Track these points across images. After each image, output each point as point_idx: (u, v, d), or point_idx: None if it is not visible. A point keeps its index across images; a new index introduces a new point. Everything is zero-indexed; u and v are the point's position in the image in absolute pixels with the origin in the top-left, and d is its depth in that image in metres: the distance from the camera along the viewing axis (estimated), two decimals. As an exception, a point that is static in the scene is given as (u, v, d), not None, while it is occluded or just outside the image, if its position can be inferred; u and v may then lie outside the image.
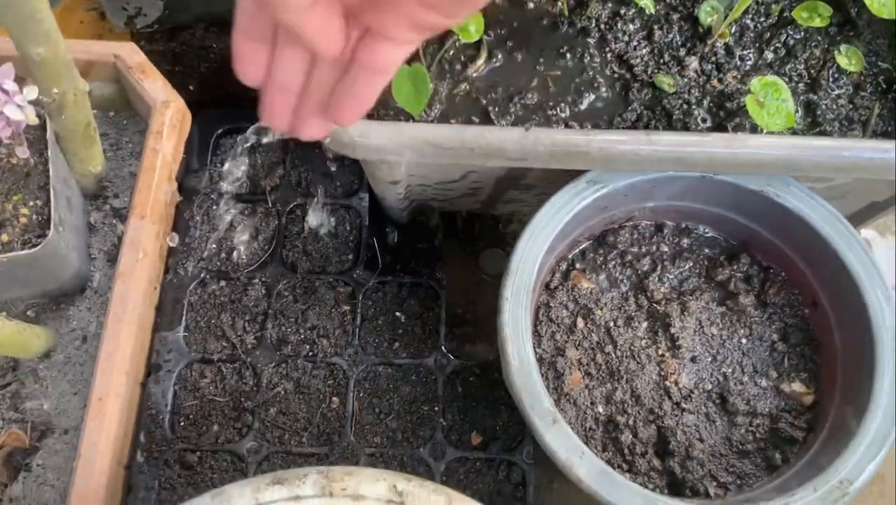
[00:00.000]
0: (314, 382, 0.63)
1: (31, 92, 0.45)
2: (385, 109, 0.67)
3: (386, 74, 0.34)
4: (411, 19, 0.31)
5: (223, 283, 0.65)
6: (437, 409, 0.62)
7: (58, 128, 0.52)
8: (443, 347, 0.64)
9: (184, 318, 0.64)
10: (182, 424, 0.61)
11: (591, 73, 0.64)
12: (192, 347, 0.63)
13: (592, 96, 0.63)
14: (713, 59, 0.65)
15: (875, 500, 0.64)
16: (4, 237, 0.48)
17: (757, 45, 0.62)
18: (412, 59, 0.65)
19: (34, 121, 0.46)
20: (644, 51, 0.63)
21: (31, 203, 0.49)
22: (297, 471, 0.42)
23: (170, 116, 0.56)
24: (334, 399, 0.62)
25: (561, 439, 0.48)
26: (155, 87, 0.56)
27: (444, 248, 0.70)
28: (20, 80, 0.46)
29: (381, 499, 0.41)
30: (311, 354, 0.64)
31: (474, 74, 0.67)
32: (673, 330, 0.57)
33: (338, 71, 0.35)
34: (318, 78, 0.35)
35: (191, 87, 0.71)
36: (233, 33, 0.34)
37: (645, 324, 0.58)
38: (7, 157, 0.50)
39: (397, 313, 0.66)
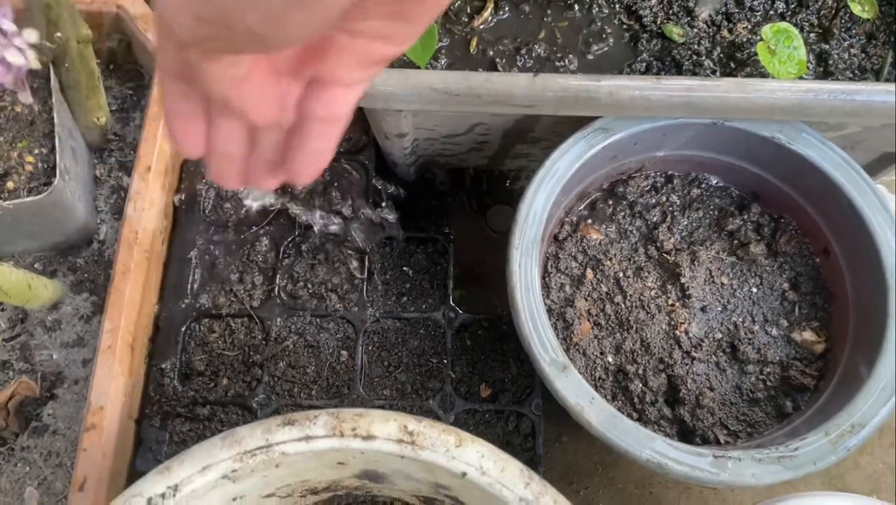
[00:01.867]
0: (323, 336, 0.63)
1: (31, 35, 0.44)
2: (392, 63, 0.66)
3: (340, 122, 0.32)
4: (362, 57, 0.29)
5: (231, 238, 0.65)
6: (445, 362, 0.62)
7: (62, 77, 0.51)
8: (451, 301, 0.64)
9: (192, 272, 0.63)
10: (191, 377, 0.61)
11: (599, 23, 0.63)
12: (199, 302, 0.63)
13: (601, 47, 0.62)
14: (723, 8, 0.64)
15: (885, 451, 0.64)
16: (10, 185, 0.47)
17: (769, -11, 0.61)
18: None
19: (36, 65, 0.45)
20: (653, 1, 0.62)
21: (37, 151, 0.49)
22: (308, 413, 0.42)
23: (174, 66, 0.55)
24: (343, 353, 0.62)
25: (571, 386, 0.48)
26: (159, 37, 0.56)
27: (451, 205, 0.70)
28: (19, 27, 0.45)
29: (392, 438, 0.41)
30: (319, 308, 0.63)
31: (481, 26, 0.66)
32: (683, 280, 0.56)
33: (281, 129, 0.33)
34: (262, 140, 0.33)
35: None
36: (165, 114, 0.32)
37: (655, 274, 0.57)
38: (11, 106, 0.49)
39: (405, 268, 0.66)
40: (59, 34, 0.46)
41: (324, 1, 0.23)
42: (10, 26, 0.42)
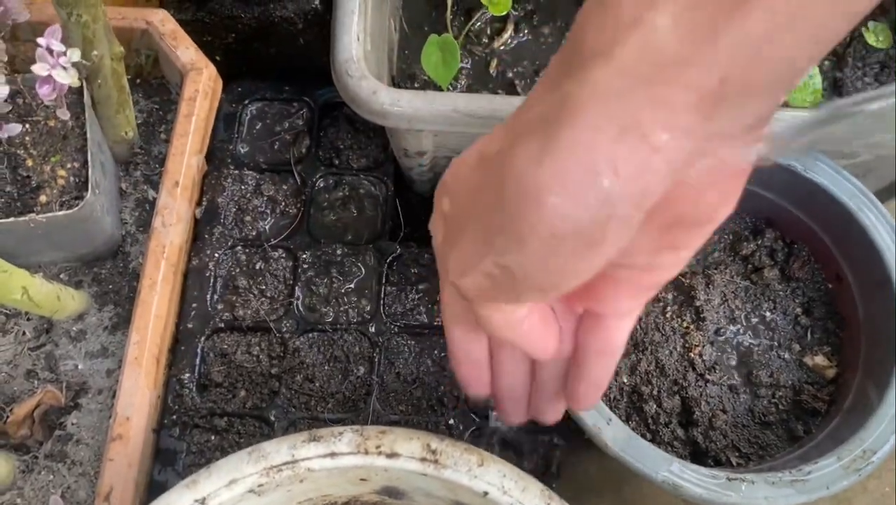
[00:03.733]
0: (340, 350, 0.64)
1: (75, 54, 0.45)
2: (412, 82, 0.67)
3: (616, 352, 0.32)
4: (633, 289, 0.29)
5: (250, 252, 0.66)
6: (460, 378, 0.63)
7: (94, 93, 0.52)
8: (466, 318, 0.65)
9: (211, 284, 0.64)
10: (209, 389, 0.62)
11: (618, 47, 0.64)
12: (218, 314, 0.64)
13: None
14: (740, 35, 0.65)
15: (892, 474, 0.65)
16: (43, 198, 0.48)
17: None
18: (441, 30, 0.66)
19: (77, 83, 0.46)
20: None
21: (69, 165, 0.50)
22: (333, 429, 0.43)
23: (203, 83, 0.56)
24: (360, 367, 0.63)
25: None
26: (187, 53, 0.57)
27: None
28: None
29: (415, 457, 0.42)
30: (337, 322, 0.64)
31: (501, 48, 0.67)
32: (698, 303, 0.57)
33: (562, 362, 0.34)
34: (544, 374, 0.35)
35: (217, 58, 0.71)
36: (450, 361, 0.34)
37: (670, 297, 0.58)
38: (45, 120, 0.50)
39: (421, 284, 0.67)
40: (95, 52, 0.47)
41: (602, 250, 0.23)
42: (59, 46, 0.43)
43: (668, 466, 0.47)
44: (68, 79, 0.44)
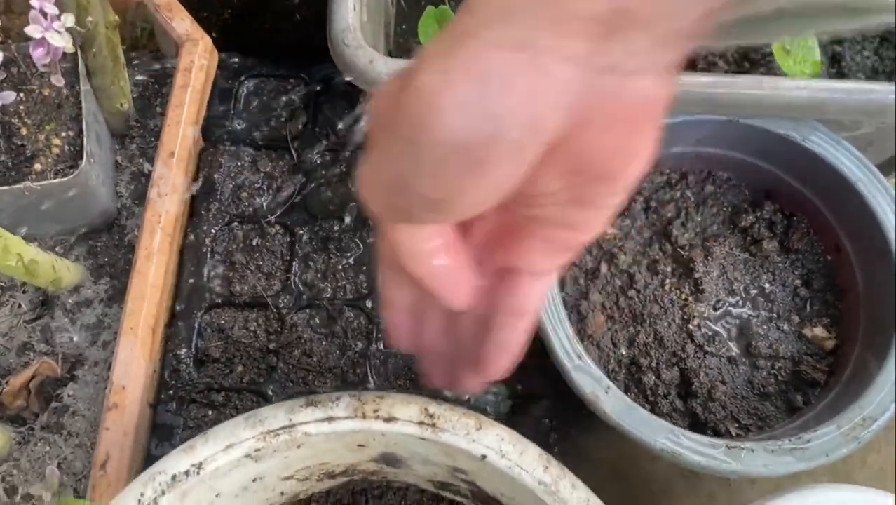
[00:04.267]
0: (338, 325, 0.63)
1: (69, 19, 0.45)
2: (409, 56, 0.67)
3: (529, 315, 0.32)
4: (548, 245, 0.29)
5: (246, 228, 0.66)
6: (458, 353, 0.63)
7: (89, 62, 0.52)
8: (464, 294, 0.65)
9: (207, 262, 0.64)
10: (206, 364, 0.62)
11: (616, 20, 0.64)
12: (216, 290, 0.63)
13: (617, 45, 0.63)
14: (739, 8, 0.65)
15: (892, 448, 0.65)
16: (37, 167, 0.48)
17: (786, -9, 0.62)
18: (437, 2, 0.65)
19: (71, 49, 0.46)
20: None
21: (64, 134, 0.49)
22: (331, 394, 0.42)
23: (198, 54, 0.56)
24: (357, 342, 0.63)
25: (587, 376, 0.49)
26: (183, 25, 0.56)
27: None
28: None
29: (413, 420, 0.41)
30: (335, 297, 0.64)
31: (499, 22, 0.67)
32: (696, 275, 0.57)
33: (479, 322, 0.33)
34: (464, 335, 0.34)
35: (214, 35, 0.71)
36: (382, 307, 0.34)
37: (668, 269, 0.58)
38: (39, 89, 0.50)
39: (419, 260, 0.67)
40: (90, 18, 0.47)
41: (491, 173, 0.23)
42: (52, 9, 0.43)
43: (667, 433, 0.47)
44: (62, 42, 0.44)
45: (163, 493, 0.40)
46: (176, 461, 0.41)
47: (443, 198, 0.24)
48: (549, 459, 0.41)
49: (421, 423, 0.42)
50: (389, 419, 0.42)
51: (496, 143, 0.22)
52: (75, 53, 0.50)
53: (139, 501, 0.40)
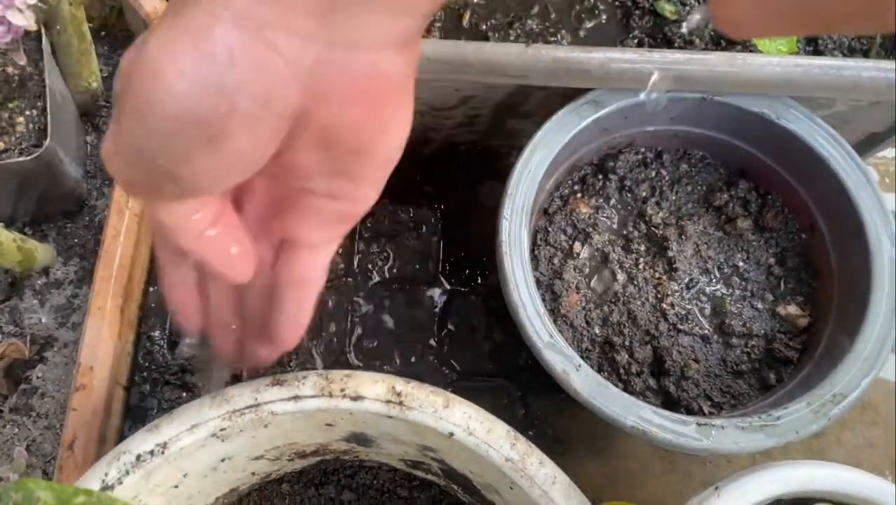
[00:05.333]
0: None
1: (30, -5, 0.44)
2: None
3: (311, 285, 0.32)
4: (321, 217, 0.29)
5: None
6: (434, 334, 0.62)
7: (53, 40, 0.51)
8: (439, 275, 0.64)
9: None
10: (180, 346, 0.61)
11: (592, -1, 0.63)
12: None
13: (593, 23, 0.62)
14: (716, -14, 0.64)
15: (867, 427, 0.65)
16: (0, 145, 0.47)
17: (761, -33, 0.61)
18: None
19: (34, 27, 0.45)
20: (647, -25, 0.62)
21: (28, 112, 0.49)
22: (297, 374, 0.42)
23: (167, 32, 0.55)
24: (332, 324, 0.63)
25: (558, 354, 0.48)
26: (150, 3, 0.55)
27: (442, 180, 0.70)
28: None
29: (380, 399, 0.41)
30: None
31: (475, 0, 0.66)
32: (670, 253, 0.57)
33: (265, 295, 0.33)
34: (251, 308, 0.34)
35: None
36: (162, 287, 0.33)
37: (643, 248, 0.58)
38: (2, 67, 0.49)
39: (394, 242, 0.66)
40: (51, -6, 0.46)
41: (227, 146, 0.23)
42: (12, -13, 0.42)
43: (638, 411, 0.47)
44: (24, 21, 0.43)
45: (127, 473, 0.40)
46: (140, 441, 0.41)
47: (180, 172, 0.24)
48: (517, 437, 0.41)
49: (388, 401, 0.41)
50: (356, 398, 0.41)
51: (228, 116, 0.22)
52: (39, 31, 0.49)
53: (103, 480, 0.40)
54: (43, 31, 0.50)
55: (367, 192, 0.29)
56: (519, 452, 0.41)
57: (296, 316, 0.33)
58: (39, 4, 0.46)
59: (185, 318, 0.35)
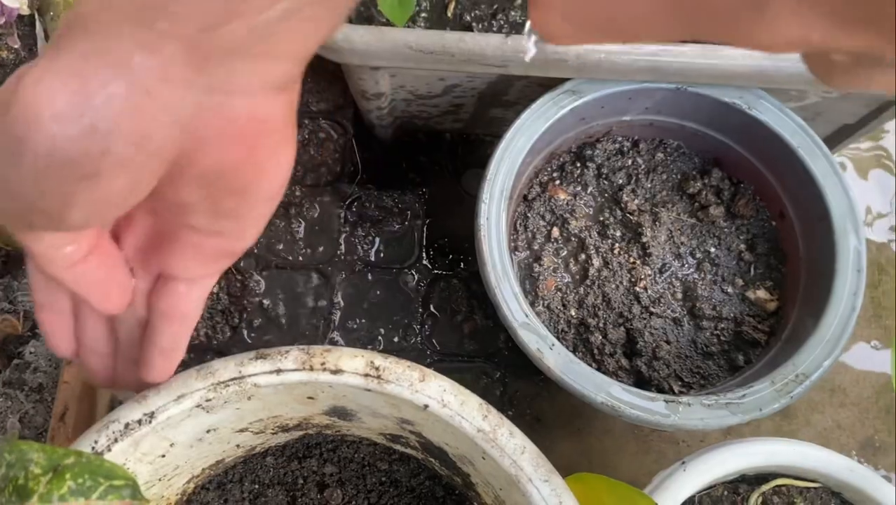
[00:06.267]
0: (300, 289, 0.65)
1: (22, -20, 0.46)
2: (369, 23, 0.68)
3: (188, 319, 0.32)
4: (200, 252, 0.30)
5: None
6: (416, 316, 0.64)
7: (46, 26, 0.52)
8: (423, 259, 0.66)
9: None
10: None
11: (574, -10, 0.65)
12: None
13: (575, 15, 0.64)
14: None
15: (835, 409, 0.67)
16: (-5, 127, 0.49)
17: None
18: (398, -29, 0.66)
19: (27, 10, 0.46)
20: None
21: (21, 95, 0.50)
22: (280, 348, 0.44)
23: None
24: (319, 304, 0.64)
25: (533, 333, 0.50)
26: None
27: (427, 167, 0.72)
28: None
29: (359, 372, 0.43)
30: (295, 262, 0.65)
31: (459, -9, 0.68)
32: (645, 239, 0.59)
33: (138, 325, 0.33)
34: (122, 335, 0.34)
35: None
36: (35, 309, 0.33)
37: (618, 233, 0.60)
38: (-3, 51, 0.51)
39: (380, 227, 0.68)
40: (44, -19, 0.48)
41: (101, 185, 0.23)
42: (2, -30, 0.44)
43: (608, 388, 0.49)
44: (16, 3, 0.44)
45: (115, 440, 0.42)
46: (129, 410, 0.43)
47: (51, 209, 0.24)
48: (489, 409, 0.43)
49: (366, 375, 0.43)
50: (336, 371, 0.43)
51: (101, 157, 0.22)
52: (33, 16, 0.51)
53: (93, 448, 0.42)
54: (37, 16, 0.51)
55: (247, 230, 0.30)
56: (490, 423, 0.43)
57: (170, 349, 0.34)
58: (33, -9, 0.48)
59: (56, 342, 0.35)
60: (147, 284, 0.32)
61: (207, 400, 0.43)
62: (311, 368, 0.43)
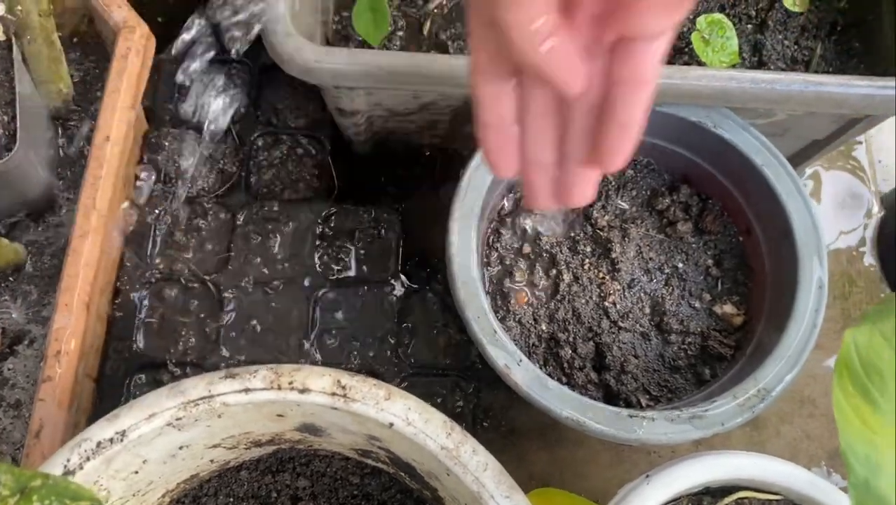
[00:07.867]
0: (275, 304, 0.66)
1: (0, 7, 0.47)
2: (347, 43, 0.69)
3: (645, 84, 0.30)
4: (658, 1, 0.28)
5: (188, 207, 0.68)
6: (392, 330, 0.65)
7: (24, 49, 0.53)
8: (399, 273, 0.67)
9: (150, 240, 0.66)
10: (151, 340, 0.64)
11: (546, 10, 0.66)
12: (158, 268, 0.66)
13: (548, 33, 0.65)
14: None
15: (805, 420, 0.68)
16: (-28, 150, 0.50)
17: (702, -18, 0.64)
18: (373, -9, 0.67)
19: (3, 36, 0.47)
20: (596, -12, 0.65)
21: (-2, 118, 0.51)
22: (249, 368, 0.45)
23: (135, 41, 0.57)
24: (295, 319, 0.65)
25: (501, 350, 0.51)
26: (120, 13, 0.58)
27: (405, 181, 0.73)
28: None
29: (326, 391, 0.44)
30: (272, 278, 0.66)
31: (435, 10, 0.69)
32: (614, 255, 0.60)
33: (590, 116, 0.32)
34: (575, 133, 0.33)
35: (159, 20, 0.72)
36: (478, 130, 0.33)
37: (588, 249, 0.61)
38: (-26, 75, 0.52)
39: (356, 241, 0.69)
40: (19, 7, 0.49)
41: None
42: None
43: (573, 403, 0.50)
44: (-8, 31, 0.46)
45: (88, 459, 0.43)
46: (101, 429, 0.44)
47: None
48: (454, 427, 0.44)
49: (333, 393, 0.44)
50: (304, 390, 0.44)
51: None
52: (9, 40, 0.52)
53: (65, 466, 0.43)
54: (13, 40, 0.52)
55: None
56: (454, 440, 0.44)
57: (630, 122, 0.31)
58: (9, 16, 0.49)
59: (502, 160, 0.34)
60: (598, 60, 0.31)
61: (178, 418, 0.44)
62: (279, 388, 0.44)
